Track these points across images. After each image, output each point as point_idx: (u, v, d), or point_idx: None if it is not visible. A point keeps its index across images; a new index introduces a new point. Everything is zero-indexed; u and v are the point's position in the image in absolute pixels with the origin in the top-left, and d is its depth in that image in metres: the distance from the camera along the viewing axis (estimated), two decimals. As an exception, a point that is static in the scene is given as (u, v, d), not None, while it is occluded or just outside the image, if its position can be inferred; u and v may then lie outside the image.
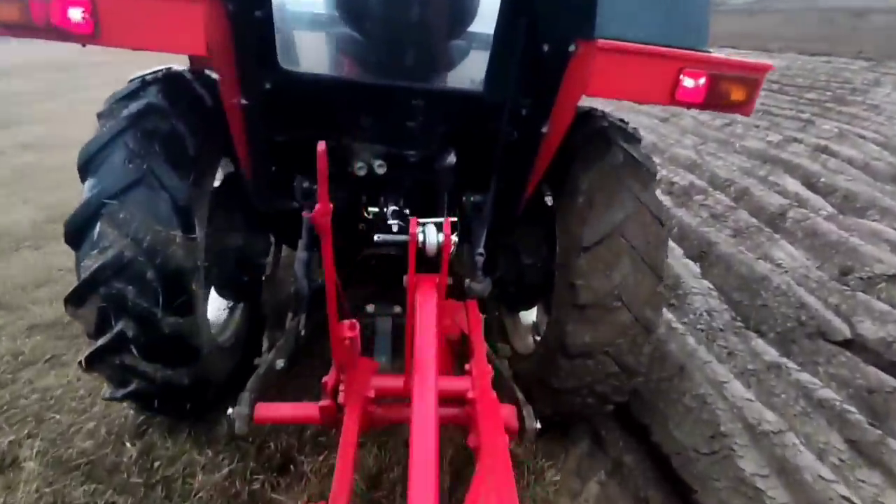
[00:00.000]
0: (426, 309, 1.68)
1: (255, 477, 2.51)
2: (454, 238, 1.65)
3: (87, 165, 2.15)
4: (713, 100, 1.91)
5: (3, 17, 1.69)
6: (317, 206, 1.31)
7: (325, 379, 1.86)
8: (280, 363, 2.28)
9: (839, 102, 10.22)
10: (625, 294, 2.36)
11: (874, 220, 4.99)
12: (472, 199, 2.62)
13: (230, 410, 1.92)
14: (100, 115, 2.28)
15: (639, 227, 2.40)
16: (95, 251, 2.07)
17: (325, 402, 1.78)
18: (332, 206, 1.58)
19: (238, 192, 2.81)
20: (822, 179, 5.99)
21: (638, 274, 2.38)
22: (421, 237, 1.65)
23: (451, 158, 2.41)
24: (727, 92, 1.91)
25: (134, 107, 2.20)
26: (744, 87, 1.93)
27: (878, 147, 7.21)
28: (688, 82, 1.89)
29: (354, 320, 1.62)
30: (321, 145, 1.22)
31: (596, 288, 2.36)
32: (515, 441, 2.30)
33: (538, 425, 2.05)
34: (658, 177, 2.66)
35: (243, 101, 2.14)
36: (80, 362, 2.28)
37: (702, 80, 1.89)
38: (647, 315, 2.41)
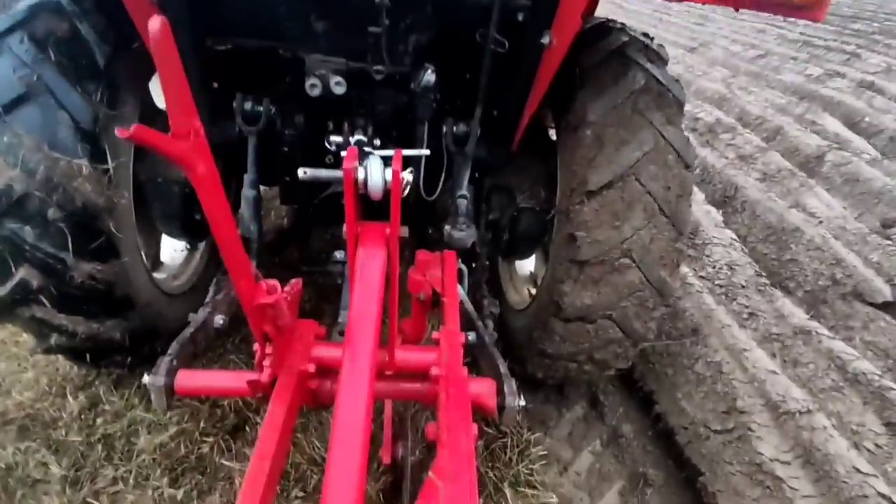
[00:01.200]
0: (369, 267, 1.30)
1: (205, 439, 2.25)
2: (407, 176, 1.23)
3: None
4: None
5: None
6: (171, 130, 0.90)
7: (256, 345, 1.52)
8: (220, 320, 1.94)
9: (888, 35, 9.26)
10: (635, 250, 1.96)
11: (924, 166, 4.45)
12: (454, 128, 2.17)
13: (145, 378, 1.59)
14: None
15: (659, 169, 1.95)
16: None
17: (252, 376, 1.44)
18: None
19: None
20: (867, 119, 5.37)
21: (653, 227, 1.97)
22: (361, 174, 1.24)
23: (429, 76, 1.95)
24: (796, -14, 1.41)
25: (26, 2, 1.74)
26: (817, -19, 1.42)
27: (930, 84, 6.47)
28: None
29: (274, 281, 1.24)
30: (155, 20, 0.80)
31: (601, 241, 1.96)
32: (494, 419, 1.99)
33: (521, 403, 1.71)
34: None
35: None
36: (-11, 312, 1.96)
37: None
38: (660, 276, 2.01)
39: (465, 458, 1.21)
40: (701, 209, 3.77)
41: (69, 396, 2.43)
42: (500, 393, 1.73)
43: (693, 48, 8.88)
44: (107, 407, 2.39)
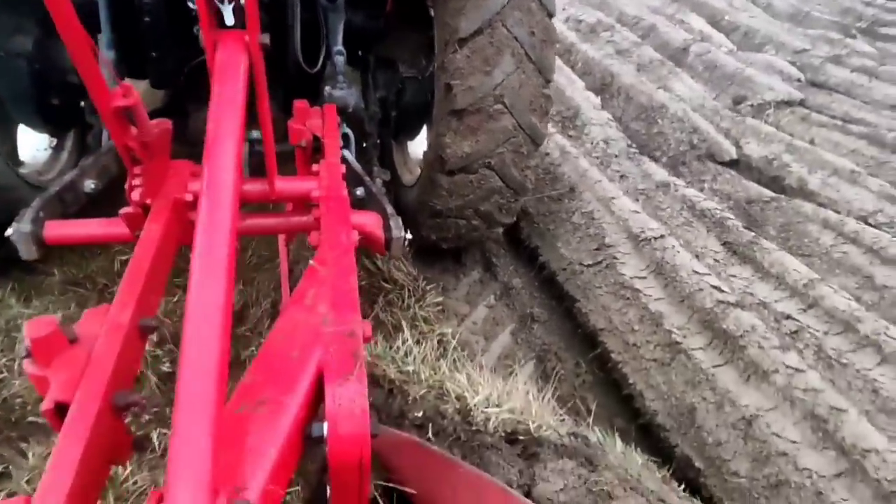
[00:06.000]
0: (230, 76, 1.29)
1: (97, 324, 2.18)
2: (258, -32, 1.22)
3: None
4: None
5: None
6: None
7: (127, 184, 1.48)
8: (91, 184, 1.85)
9: (751, -53, 9.90)
10: (507, 95, 2.09)
11: (770, 55, 4.96)
12: None
13: (8, 230, 1.51)
14: None
15: (523, 15, 2.06)
16: None
17: (126, 209, 1.42)
18: None
19: None
20: (727, 17, 5.83)
21: (522, 72, 2.09)
22: None
23: None
24: None
25: None
26: None
27: (781, -12, 7.09)
28: None
29: (129, 84, 1.21)
30: None
31: (475, 88, 2.06)
32: (386, 256, 2.10)
33: (407, 235, 1.82)
34: (562, 11, 2.28)
35: None
36: None
37: None
38: (531, 121, 2.17)
39: (345, 251, 1.30)
40: (581, 95, 4.00)
41: (-70, 304, 2.24)
42: (387, 229, 1.82)
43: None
44: (-23, 308, 2.24)
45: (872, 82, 4.38)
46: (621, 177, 3.14)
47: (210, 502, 0.72)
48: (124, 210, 1.44)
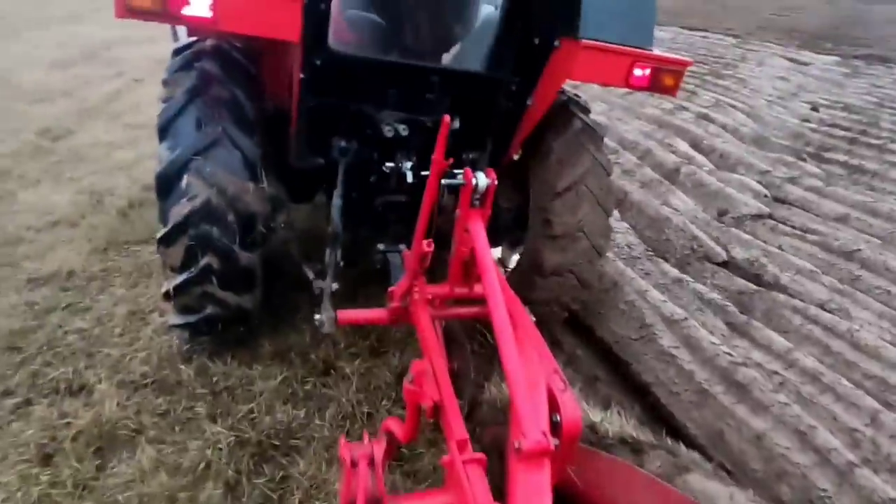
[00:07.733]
0: (480, 232, 2.36)
1: (306, 380, 3.12)
2: (495, 181, 2.34)
3: (166, 129, 2.57)
4: (655, 85, 2.76)
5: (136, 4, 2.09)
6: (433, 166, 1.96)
7: (391, 289, 2.52)
8: (335, 286, 2.89)
9: (715, 76, 11.89)
10: (585, 227, 3.23)
11: (741, 174, 6.35)
12: (469, 156, 3.32)
13: (317, 317, 2.52)
14: (165, 83, 2.67)
15: (595, 178, 3.25)
16: (185, 199, 2.52)
17: (395, 305, 2.45)
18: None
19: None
20: (705, 141, 7.32)
21: (594, 213, 3.25)
22: (474, 181, 2.33)
23: (456, 123, 3.09)
24: (663, 79, 2.76)
25: (195, 76, 2.62)
26: (673, 76, 2.79)
27: (743, 115, 8.76)
28: (638, 72, 2.72)
29: (431, 239, 2.28)
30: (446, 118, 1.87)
31: (566, 223, 3.20)
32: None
33: (533, 318, 2.86)
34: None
35: (301, 76, 2.65)
36: (165, 292, 2.74)
37: (647, 71, 2.72)
38: (600, 243, 3.30)
39: (530, 325, 2.32)
40: (604, 209, 5.23)
41: (181, 366, 3.15)
42: None
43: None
44: (216, 370, 3.13)
45: (821, 199, 5.74)
46: (646, 274, 4.28)
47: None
48: (391, 305, 2.47)
